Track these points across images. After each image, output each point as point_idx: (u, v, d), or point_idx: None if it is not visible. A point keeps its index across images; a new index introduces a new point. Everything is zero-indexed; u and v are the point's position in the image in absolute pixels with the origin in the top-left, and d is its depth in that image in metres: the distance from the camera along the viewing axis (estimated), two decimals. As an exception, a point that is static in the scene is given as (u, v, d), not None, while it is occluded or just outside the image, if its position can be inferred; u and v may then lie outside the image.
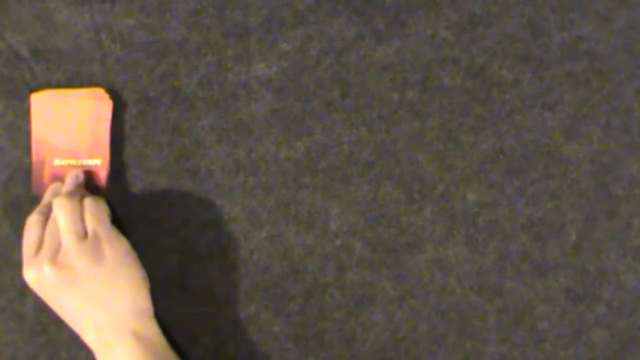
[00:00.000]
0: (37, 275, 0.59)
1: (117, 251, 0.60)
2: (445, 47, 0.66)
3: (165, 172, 0.65)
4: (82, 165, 0.64)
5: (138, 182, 0.65)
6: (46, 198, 0.62)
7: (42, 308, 0.64)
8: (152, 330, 0.60)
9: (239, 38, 0.66)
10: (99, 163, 0.64)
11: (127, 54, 0.66)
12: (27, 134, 0.65)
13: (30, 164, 0.65)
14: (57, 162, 0.64)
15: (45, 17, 0.66)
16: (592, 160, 0.65)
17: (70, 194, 0.61)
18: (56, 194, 0.62)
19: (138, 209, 0.65)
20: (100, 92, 0.65)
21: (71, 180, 0.63)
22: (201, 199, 0.65)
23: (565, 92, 0.66)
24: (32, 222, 0.60)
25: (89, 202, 0.60)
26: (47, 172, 0.64)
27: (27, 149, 0.65)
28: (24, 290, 0.64)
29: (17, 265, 0.64)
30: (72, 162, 0.64)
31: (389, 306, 0.64)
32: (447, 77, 0.66)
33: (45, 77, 0.66)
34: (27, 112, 0.65)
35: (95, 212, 0.60)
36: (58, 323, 0.64)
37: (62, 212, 0.59)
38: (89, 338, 0.59)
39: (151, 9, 0.67)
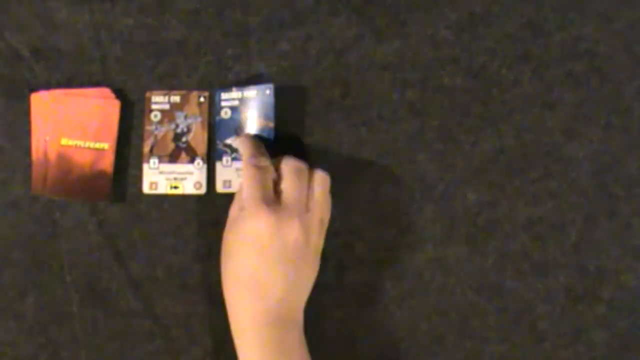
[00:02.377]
0: (275, 222, 0.54)
1: (322, 239, 0.59)
2: (445, 47, 0.66)
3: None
4: (89, 147, 0.64)
5: (138, 181, 0.65)
6: (259, 148, 0.59)
7: (42, 308, 0.64)
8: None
9: (239, 38, 0.66)
10: (107, 147, 0.64)
11: (127, 54, 0.66)
12: (27, 134, 0.65)
13: (30, 163, 0.65)
14: (64, 141, 0.64)
15: (45, 17, 0.66)
16: (592, 160, 0.65)
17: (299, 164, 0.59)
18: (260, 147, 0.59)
19: (138, 209, 0.65)
20: (107, 92, 0.65)
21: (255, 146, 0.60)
22: (201, 199, 0.65)
23: (565, 92, 0.66)
24: (264, 163, 0.57)
25: (321, 172, 0.59)
26: (53, 153, 0.64)
27: (27, 149, 0.65)
28: (24, 290, 0.64)
29: (17, 265, 0.64)
30: (80, 142, 0.64)
31: (389, 306, 0.64)
32: (447, 77, 0.66)
33: (45, 77, 0.66)
34: (27, 112, 0.65)
35: (322, 182, 0.59)
36: (58, 323, 0.64)
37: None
38: (257, 319, 0.55)
39: (151, 8, 0.67)
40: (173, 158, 0.65)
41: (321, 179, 0.59)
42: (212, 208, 0.65)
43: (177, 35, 0.66)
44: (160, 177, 0.65)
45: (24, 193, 0.65)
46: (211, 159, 0.65)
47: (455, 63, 0.66)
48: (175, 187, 0.65)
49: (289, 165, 0.58)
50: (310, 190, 0.58)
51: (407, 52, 0.66)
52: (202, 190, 0.65)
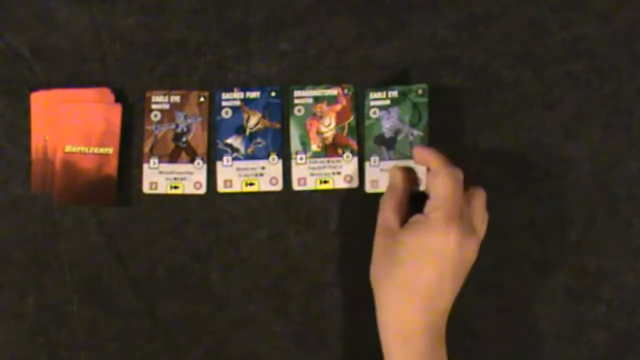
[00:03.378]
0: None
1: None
2: (445, 47, 0.66)
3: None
4: (93, 153, 0.64)
5: (138, 181, 0.65)
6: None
7: (42, 308, 0.64)
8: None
9: (239, 38, 0.66)
10: (111, 152, 0.64)
11: (127, 54, 0.66)
12: (27, 133, 0.65)
13: (30, 163, 0.65)
14: (68, 148, 0.64)
15: (45, 17, 0.66)
16: (592, 160, 0.65)
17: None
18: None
19: (138, 209, 0.65)
20: (106, 92, 0.65)
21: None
22: (201, 199, 0.65)
23: (565, 92, 0.66)
24: (462, 179, 0.57)
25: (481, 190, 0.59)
26: (57, 160, 0.64)
27: (27, 149, 0.65)
28: (24, 290, 0.64)
29: (17, 265, 0.64)
30: (84, 148, 0.64)
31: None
32: (447, 77, 0.66)
33: (45, 77, 0.66)
34: (27, 112, 0.65)
35: (481, 200, 0.59)
36: (58, 323, 0.64)
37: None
38: (422, 325, 0.56)
39: (151, 8, 0.67)
40: (173, 158, 0.65)
41: (482, 196, 0.59)
42: (212, 208, 0.65)
43: (177, 35, 0.66)
44: (160, 177, 0.65)
45: (24, 193, 0.65)
46: (211, 159, 0.65)
47: (455, 63, 0.66)
48: (175, 187, 0.65)
49: (475, 190, 0.59)
50: (475, 207, 0.58)
51: (407, 53, 0.66)
52: (202, 190, 0.65)
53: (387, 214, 0.59)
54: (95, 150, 0.64)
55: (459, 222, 0.55)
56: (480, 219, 0.58)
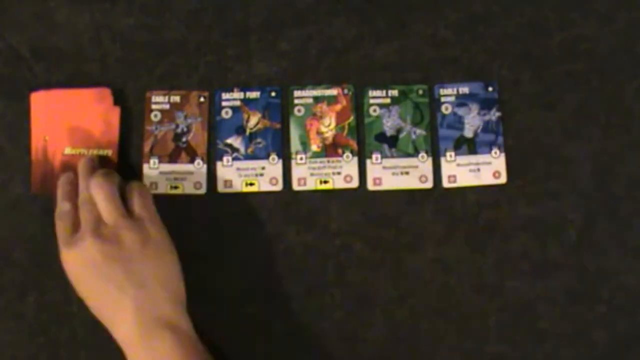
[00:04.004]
0: (78, 251, 0.56)
1: (162, 235, 0.58)
2: (445, 47, 0.66)
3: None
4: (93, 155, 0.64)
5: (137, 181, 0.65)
6: (64, 187, 0.61)
7: (42, 308, 0.64)
8: (188, 323, 0.58)
9: (239, 38, 0.66)
10: (110, 154, 0.64)
11: (127, 54, 0.66)
12: (27, 133, 0.65)
13: (30, 163, 0.65)
14: (68, 150, 0.64)
15: (45, 17, 0.66)
16: (592, 160, 0.65)
17: (107, 174, 0.59)
18: (71, 182, 0.61)
19: (138, 208, 0.65)
20: (107, 92, 0.65)
21: (87, 163, 0.62)
22: (201, 199, 0.65)
23: (565, 92, 0.66)
24: (63, 209, 0.59)
25: (136, 184, 0.60)
26: (56, 162, 0.64)
27: (27, 149, 0.65)
28: (24, 290, 0.64)
29: (17, 265, 0.64)
30: (84, 151, 0.64)
31: (389, 306, 0.64)
32: (447, 77, 0.66)
33: (45, 77, 0.66)
34: (27, 112, 0.65)
35: (141, 194, 0.60)
36: (58, 323, 0.64)
37: (102, 192, 0.58)
38: (124, 328, 0.56)
39: (151, 8, 0.67)
40: (173, 158, 0.65)
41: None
42: (212, 208, 0.65)
43: (177, 35, 0.66)
44: (160, 177, 0.65)
45: (24, 193, 0.65)
46: (211, 159, 0.65)
47: (455, 63, 0.66)
48: (175, 187, 0.65)
49: (81, 197, 0.60)
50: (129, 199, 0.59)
51: (407, 53, 0.66)
52: (202, 190, 0.65)
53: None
54: (95, 152, 0.64)
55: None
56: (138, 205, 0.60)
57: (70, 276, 0.58)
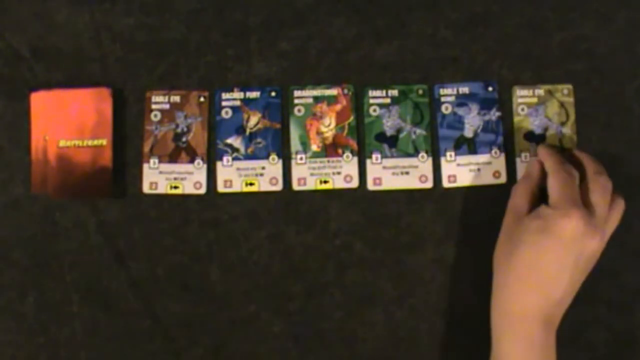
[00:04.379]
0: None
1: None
2: (445, 47, 0.66)
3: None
4: (88, 146, 0.64)
5: (137, 181, 0.65)
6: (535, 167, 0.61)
7: (42, 308, 0.64)
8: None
9: (239, 38, 0.66)
10: (105, 143, 0.64)
11: (127, 54, 0.66)
12: (27, 133, 0.65)
13: (30, 163, 0.65)
14: (62, 143, 0.64)
15: (45, 17, 0.66)
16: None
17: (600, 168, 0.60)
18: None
19: (138, 209, 0.65)
20: (106, 93, 0.65)
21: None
22: (201, 199, 0.65)
23: (565, 92, 0.66)
24: (573, 174, 0.59)
25: (604, 179, 0.60)
26: (52, 156, 0.64)
27: (27, 149, 0.65)
28: (24, 290, 0.64)
29: (17, 265, 0.64)
30: (78, 142, 0.64)
31: (389, 306, 0.64)
32: (447, 77, 0.66)
33: (45, 77, 0.66)
34: (27, 112, 0.65)
35: (608, 191, 0.60)
36: (58, 323, 0.64)
37: (621, 209, 0.60)
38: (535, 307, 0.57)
39: (151, 8, 0.67)
40: (173, 158, 0.65)
41: (621, 206, 0.60)
42: (212, 208, 0.65)
43: (177, 35, 0.66)
44: (160, 177, 0.65)
45: (24, 193, 0.65)
46: (211, 159, 0.65)
47: (455, 63, 0.66)
48: (175, 187, 0.65)
49: (601, 183, 0.59)
50: (611, 210, 0.59)
51: (407, 53, 0.66)
52: (202, 190, 0.65)
53: (517, 200, 0.60)
54: (89, 142, 0.64)
55: (582, 210, 0.56)
56: (610, 225, 0.60)
57: (534, 230, 0.57)
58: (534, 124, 0.65)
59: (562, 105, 0.65)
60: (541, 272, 0.57)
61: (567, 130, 0.65)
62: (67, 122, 0.64)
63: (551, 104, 0.65)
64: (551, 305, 0.57)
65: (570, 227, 0.56)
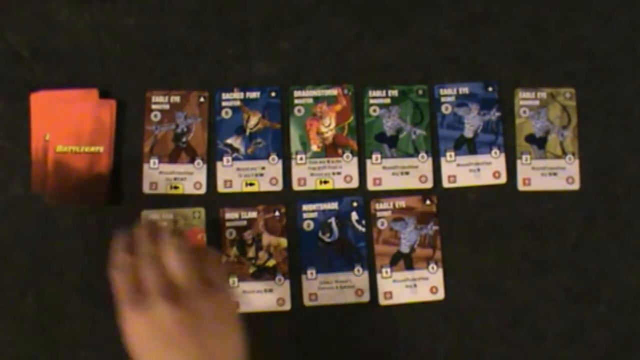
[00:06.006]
0: (149, 318, 0.49)
1: (233, 308, 0.53)
2: (445, 47, 0.66)
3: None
4: (84, 152, 0.64)
5: (138, 181, 0.65)
6: (123, 238, 0.53)
7: (42, 308, 0.64)
8: None
9: (239, 38, 0.66)
10: (102, 150, 0.64)
11: (127, 54, 0.66)
12: (27, 133, 0.65)
13: (30, 163, 0.65)
14: (59, 148, 0.64)
15: (45, 17, 0.66)
16: (592, 160, 0.65)
17: (181, 234, 0.53)
18: (129, 234, 0.53)
19: (138, 209, 0.65)
20: (94, 93, 0.65)
21: (151, 223, 0.56)
22: (201, 199, 0.65)
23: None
24: (125, 260, 0.51)
25: (213, 252, 0.55)
26: (49, 160, 0.64)
27: (27, 149, 0.65)
28: (24, 290, 0.64)
29: (17, 265, 0.64)
30: (75, 148, 0.64)
31: (389, 306, 0.64)
32: (447, 77, 0.66)
33: (45, 77, 0.66)
34: (27, 112, 0.65)
35: (217, 260, 0.54)
36: (58, 323, 0.64)
37: (178, 253, 0.50)
38: None
39: (151, 9, 0.67)
40: (173, 158, 0.65)
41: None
42: (212, 208, 0.65)
43: (177, 35, 0.66)
44: (160, 177, 0.65)
45: (24, 193, 0.65)
46: (211, 159, 0.65)
47: (455, 63, 0.66)
48: (175, 187, 0.65)
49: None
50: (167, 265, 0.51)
51: (407, 53, 0.66)
52: (202, 190, 0.65)
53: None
54: (86, 149, 0.64)
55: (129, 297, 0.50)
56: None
57: (133, 341, 0.50)
58: (535, 126, 0.65)
59: (564, 108, 0.65)
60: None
61: (569, 133, 0.65)
62: (65, 126, 0.64)
63: (553, 107, 0.65)
64: None
65: (134, 324, 0.50)
